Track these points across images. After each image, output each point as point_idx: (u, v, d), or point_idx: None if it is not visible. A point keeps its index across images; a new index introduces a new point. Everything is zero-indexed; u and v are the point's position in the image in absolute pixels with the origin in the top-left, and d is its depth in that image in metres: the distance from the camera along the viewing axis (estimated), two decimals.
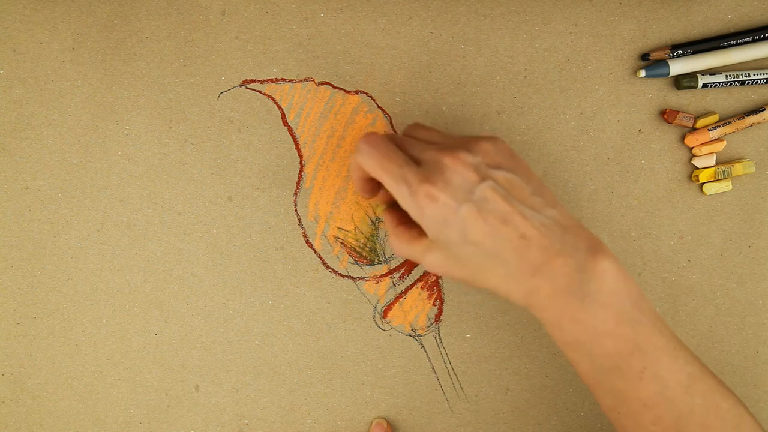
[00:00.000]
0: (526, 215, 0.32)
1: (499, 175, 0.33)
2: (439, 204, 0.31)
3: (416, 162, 0.33)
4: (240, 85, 0.42)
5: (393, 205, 0.38)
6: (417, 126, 0.37)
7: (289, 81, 0.42)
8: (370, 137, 0.34)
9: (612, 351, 0.31)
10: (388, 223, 0.37)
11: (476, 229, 0.31)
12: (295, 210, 0.43)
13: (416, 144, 0.35)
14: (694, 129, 0.43)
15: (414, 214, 0.33)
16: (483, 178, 0.32)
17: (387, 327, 0.43)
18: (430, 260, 0.34)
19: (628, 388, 0.31)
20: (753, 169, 0.43)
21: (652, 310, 0.32)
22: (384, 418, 0.43)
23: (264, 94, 0.42)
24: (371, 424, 0.43)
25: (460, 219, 0.31)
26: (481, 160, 0.33)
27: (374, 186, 0.37)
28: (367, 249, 0.43)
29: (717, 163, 0.43)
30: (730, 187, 0.43)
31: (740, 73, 0.42)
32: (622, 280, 0.32)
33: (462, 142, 0.34)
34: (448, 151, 0.33)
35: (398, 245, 0.36)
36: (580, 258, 0.31)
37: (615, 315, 0.31)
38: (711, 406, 0.32)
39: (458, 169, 0.32)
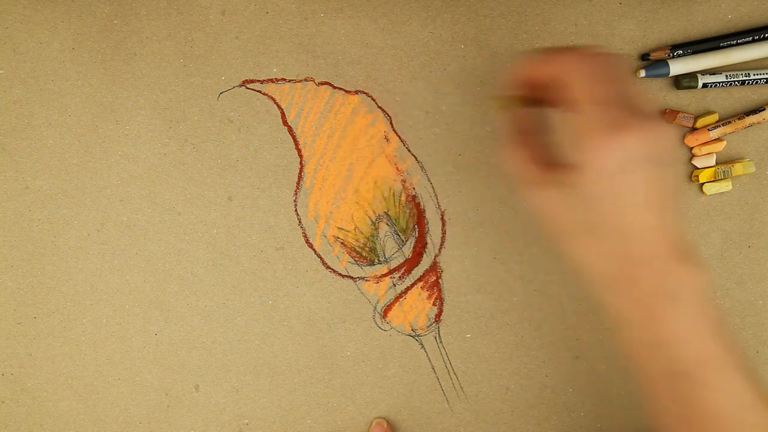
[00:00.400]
0: (659, 209, 0.32)
1: (659, 170, 0.32)
2: (619, 154, 0.30)
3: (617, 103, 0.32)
4: (240, 85, 0.42)
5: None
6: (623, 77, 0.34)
7: (289, 81, 0.42)
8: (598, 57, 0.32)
9: (688, 357, 0.32)
10: (510, 120, 0.35)
11: (634, 201, 0.31)
12: (295, 210, 0.43)
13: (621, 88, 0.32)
14: (694, 129, 0.43)
15: (592, 145, 0.30)
16: (649, 162, 0.31)
17: (387, 327, 0.43)
18: (548, 195, 0.33)
19: (694, 396, 0.32)
20: (753, 169, 0.43)
21: (728, 328, 0.33)
22: (384, 418, 0.43)
23: (264, 94, 0.42)
24: (371, 424, 0.43)
25: (625, 181, 0.31)
26: (660, 146, 0.31)
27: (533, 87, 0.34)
28: (367, 249, 0.43)
29: (717, 163, 0.43)
30: (730, 187, 0.43)
31: (740, 73, 0.42)
32: (706, 293, 0.32)
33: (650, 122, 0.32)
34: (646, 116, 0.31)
35: (515, 157, 0.34)
36: (676, 262, 0.32)
37: (698, 323, 0.32)
38: None
39: (643, 138, 0.30)
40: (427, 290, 0.43)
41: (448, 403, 0.44)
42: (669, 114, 0.42)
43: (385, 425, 0.43)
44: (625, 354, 0.34)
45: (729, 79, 0.42)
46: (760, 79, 0.42)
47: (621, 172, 0.31)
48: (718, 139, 0.43)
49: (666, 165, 0.32)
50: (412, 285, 0.43)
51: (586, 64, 0.32)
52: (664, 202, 0.32)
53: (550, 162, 0.34)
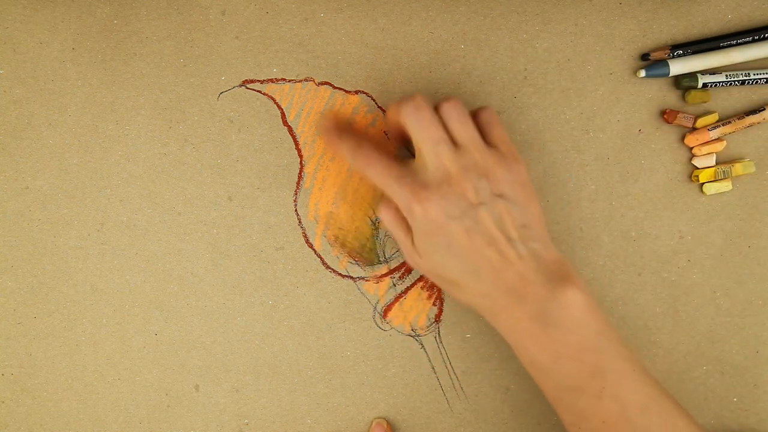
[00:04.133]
0: (510, 242, 0.34)
1: (499, 203, 0.35)
2: (432, 213, 0.34)
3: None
4: (240, 85, 0.42)
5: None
6: (461, 111, 0.37)
7: (289, 81, 0.42)
8: (418, 101, 0.35)
9: (573, 372, 0.34)
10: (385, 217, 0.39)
11: (461, 244, 0.34)
12: (295, 210, 0.43)
13: (453, 124, 0.36)
14: (694, 129, 0.43)
15: (405, 211, 0.35)
16: (481, 203, 0.34)
17: (387, 327, 0.43)
18: (411, 258, 0.38)
19: (588, 407, 0.34)
20: (753, 169, 0.43)
21: (617, 339, 0.35)
22: (384, 418, 0.43)
23: (264, 94, 0.42)
24: (371, 424, 0.43)
25: (448, 232, 0.34)
26: (487, 185, 0.35)
27: (402, 135, 0.38)
28: (367, 249, 0.43)
29: (717, 163, 0.43)
30: (730, 187, 0.43)
31: (740, 72, 0.42)
32: (588, 312, 0.34)
33: (480, 159, 0.35)
34: (461, 166, 0.34)
35: (386, 217, 0.38)
36: (550, 288, 0.34)
37: (577, 341, 0.33)
38: (668, 424, 0.34)
39: (462, 186, 0.34)
40: (427, 290, 0.43)
41: (448, 403, 0.44)
42: (669, 114, 0.42)
43: (385, 425, 0.43)
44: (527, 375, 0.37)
45: (729, 79, 0.42)
46: (760, 79, 0.42)
47: (438, 220, 0.34)
48: (718, 139, 0.43)
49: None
50: (412, 285, 0.43)
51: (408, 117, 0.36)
52: (505, 233, 0.35)
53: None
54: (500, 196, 0.35)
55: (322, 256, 0.43)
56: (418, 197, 0.34)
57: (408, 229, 0.37)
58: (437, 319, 0.43)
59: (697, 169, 0.43)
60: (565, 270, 0.35)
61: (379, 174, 0.36)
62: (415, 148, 0.36)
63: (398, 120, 0.36)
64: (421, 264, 0.37)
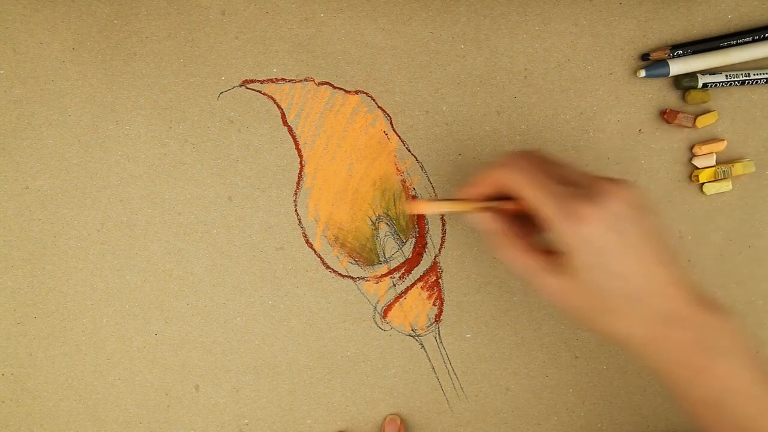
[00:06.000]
0: (665, 264, 0.31)
1: (650, 221, 0.32)
2: (599, 226, 0.30)
3: (568, 184, 0.32)
4: (240, 85, 0.42)
5: (497, 211, 0.36)
6: (547, 160, 0.34)
7: (289, 81, 0.42)
8: (522, 156, 0.33)
9: (747, 412, 0.31)
10: (497, 226, 0.35)
11: (624, 263, 0.31)
12: (295, 210, 0.43)
13: (565, 169, 0.33)
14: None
15: (561, 231, 0.31)
16: (639, 218, 0.31)
17: (387, 327, 0.43)
18: (552, 282, 0.33)
19: None
20: (753, 169, 0.43)
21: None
22: (397, 415, 0.43)
23: (264, 94, 0.42)
24: (384, 419, 0.43)
25: (612, 248, 0.30)
26: (639, 201, 0.32)
27: (492, 196, 0.35)
28: (367, 249, 0.43)
29: (717, 163, 0.43)
30: (730, 187, 0.43)
31: (740, 72, 0.42)
32: (745, 341, 0.32)
33: (613, 183, 0.32)
34: (608, 180, 0.32)
35: (512, 252, 0.34)
36: (705, 314, 0.31)
37: (750, 374, 0.31)
38: None
39: (622, 196, 0.31)
40: (427, 290, 0.43)
41: (448, 403, 0.44)
42: (669, 114, 0.42)
43: (399, 422, 0.42)
44: (688, 417, 0.33)
45: (729, 79, 0.42)
46: (760, 79, 0.42)
47: (604, 237, 0.30)
48: (718, 139, 0.43)
49: (649, 213, 0.32)
50: (412, 285, 0.43)
51: (518, 170, 0.33)
52: (661, 253, 0.31)
53: (544, 251, 0.34)
54: (651, 212, 0.32)
55: (322, 256, 0.43)
56: (589, 209, 0.30)
57: (537, 250, 0.34)
58: (437, 319, 0.43)
59: (697, 169, 0.43)
60: (712, 298, 0.32)
61: (538, 190, 0.32)
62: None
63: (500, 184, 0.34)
64: (568, 289, 0.32)
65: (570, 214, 0.31)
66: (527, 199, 0.32)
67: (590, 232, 0.30)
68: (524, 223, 0.35)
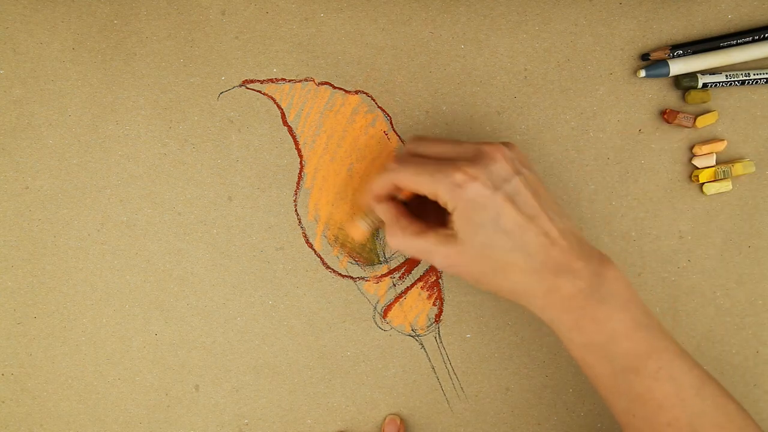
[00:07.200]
0: (550, 216, 0.33)
1: (529, 174, 0.34)
2: (478, 185, 0.32)
3: (446, 158, 0.35)
4: (240, 85, 0.42)
5: (390, 201, 0.38)
6: (424, 139, 0.37)
7: (289, 81, 0.42)
8: (397, 156, 0.35)
9: (630, 352, 0.32)
10: (388, 217, 0.37)
11: (510, 217, 0.32)
12: (295, 210, 0.43)
13: (444, 144, 0.35)
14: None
15: (448, 196, 0.33)
16: (516, 173, 0.33)
17: (387, 327, 0.43)
18: (444, 253, 0.34)
19: (645, 390, 0.32)
20: (753, 169, 0.43)
21: (656, 317, 0.34)
22: (397, 414, 0.43)
23: (264, 94, 0.42)
24: (384, 420, 0.43)
25: (496, 204, 0.32)
26: (515, 156, 0.34)
27: (387, 197, 0.38)
28: (367, 249, 0.43)
29: (717, 163, 0.43)
30: (730, 187, 0.43)
31: (740, 72, 0.42)
32: (631, 288, 0.33)
33: (486, 144, 0.35)
34: (485, 143, 0.34)
35: (402, 238, 0.35)
36: (594, 264, 0.33)
37: (631, 318, 0.33)
38: (720, 407, 0.33)
39: (497, 157, 0.33)
40: (427, 290, 0.43)
41: (448, 403, 0.44)
42: (669, 114, 0.42)
43: (398, 422, 0.42)
44: (576, 363, 0.35)
45: (729, 79, 0.42)
46: (760, 79, 0.42)
47: (486, 195, 0.32)
48: (718, 139, 0.43)
49: (529, 168, 0.35)
50: (412, 285, 0.43)
51: (397, 169, 0.35)
52: (546, 206, 0.34)
53: (437, 227, 0.35)
54: (527, 168, 0.34)
55: (322, 256, 0.43)
56: (465, 173, 0.32)
57: (425, 228, 0.35)
58: (437, 319, 0.43)
59: (697, 169, 0.43)
60: (596, 248, 0.34)
61: (413, 174, 0.34)
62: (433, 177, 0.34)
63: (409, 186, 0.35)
64: (461, 255, 0.34)
65: (452, 182, 0.32)
66: (414, 187, 0.34)
67: (473, 193, 0.32)
68: (426, 207, 0.37)
